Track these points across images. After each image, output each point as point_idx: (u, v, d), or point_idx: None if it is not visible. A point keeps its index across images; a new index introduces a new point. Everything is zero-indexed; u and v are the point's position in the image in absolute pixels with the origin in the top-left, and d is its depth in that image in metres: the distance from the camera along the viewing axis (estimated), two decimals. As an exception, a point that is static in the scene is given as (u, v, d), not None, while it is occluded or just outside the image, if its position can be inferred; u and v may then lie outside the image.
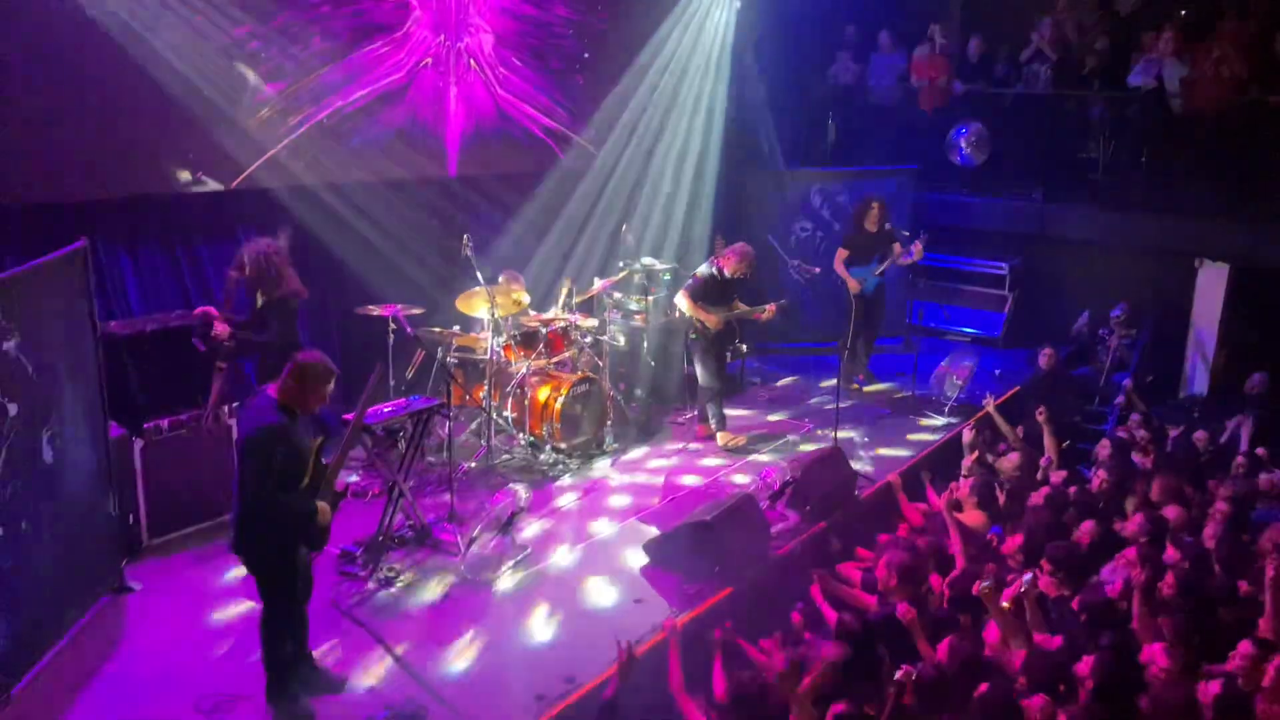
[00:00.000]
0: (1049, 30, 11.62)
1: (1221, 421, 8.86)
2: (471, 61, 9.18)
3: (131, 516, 6.38)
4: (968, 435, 8.07)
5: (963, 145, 11.53)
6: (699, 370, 8.60)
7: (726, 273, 8.39)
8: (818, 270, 10.06)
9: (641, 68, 10.51)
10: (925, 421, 9.31)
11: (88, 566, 5.86)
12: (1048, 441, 7.71)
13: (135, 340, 6.39)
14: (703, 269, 8.56)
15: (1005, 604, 5.15)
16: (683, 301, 8.42)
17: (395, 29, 8.52)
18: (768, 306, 8.66)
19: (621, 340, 8.99)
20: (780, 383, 10.34)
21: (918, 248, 9.81)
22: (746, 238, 8.99)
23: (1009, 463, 7.67)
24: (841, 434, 8.33)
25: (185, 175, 7.34)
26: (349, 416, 6.38)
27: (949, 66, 12.24)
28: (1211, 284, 10.52)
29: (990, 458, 7.90)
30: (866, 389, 10.02)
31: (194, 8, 7.10)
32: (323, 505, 4.82)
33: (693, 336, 8.53)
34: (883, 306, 10.21)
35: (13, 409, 5.00)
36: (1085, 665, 4.62)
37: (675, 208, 10.73)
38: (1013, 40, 12.12)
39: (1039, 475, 7.49)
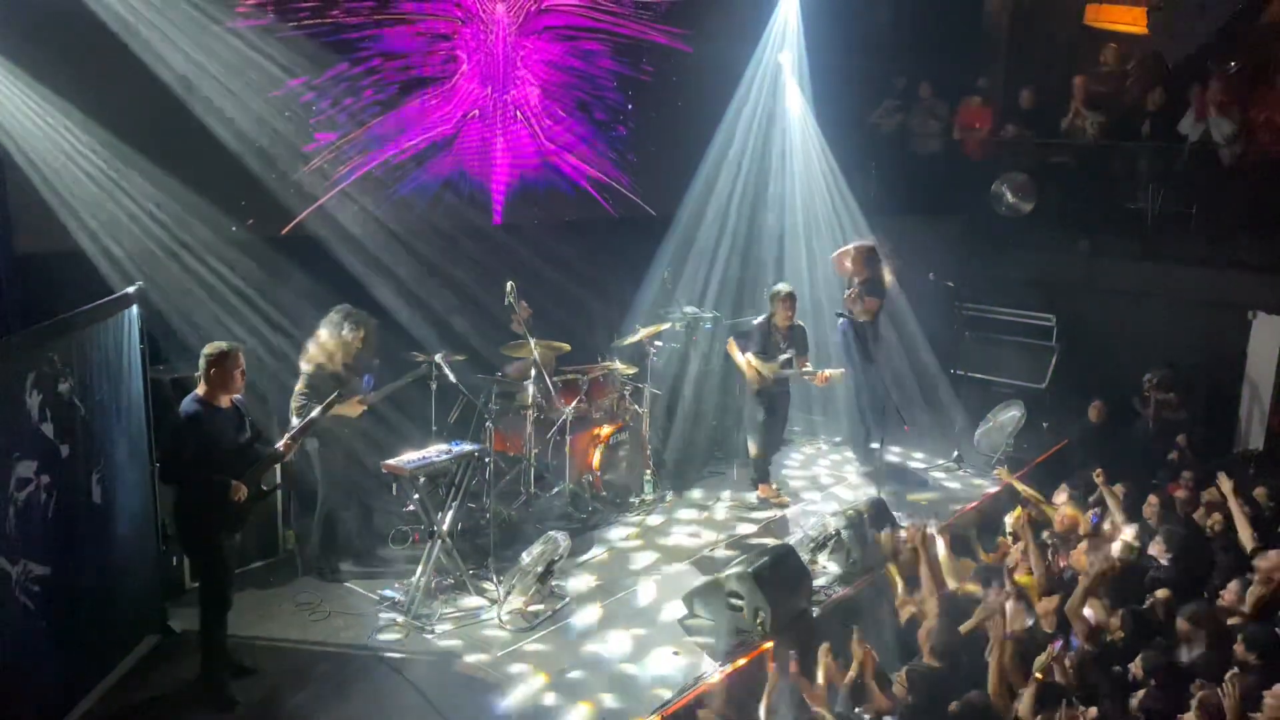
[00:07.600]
0: (1082, 93, 11.51)
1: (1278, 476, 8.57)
2: (518, 113, 9.33)
3: (175, 558, 6.45)
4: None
5: (1008, 195, 11.46)
6: (748, 421, 8.53)
7: (778, 322, 8.31)
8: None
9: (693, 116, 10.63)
10: (971, 475, 9.14)
11: (133, 607, 5.93)
12: (1109, 500, 7.49)
13: (182, 384, 6.48)
14: (759, 319, 8.47)
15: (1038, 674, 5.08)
16: (729, 348, 8.49)
17: (444, 81, 8.71)
18: (830, 373, 8.29)
19: (662, 388, 8.97)
20: (821, 435, 10.21)
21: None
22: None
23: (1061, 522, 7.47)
24: (884, 487, 8.20)
25: (236, 222, 7.50)
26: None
27: (993, 117, 12.21)
28: (1266, 336, 10.27)
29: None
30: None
31: (250, 59, 7.31)
32: (237, 483, 5.26)
33: (749, 386, 8.44)
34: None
35: (64, 450, 5.10)
36: None
37: (720, 256, 10.73)
38: (1060, 91, 12.05)
39: (1090, 532, 7.24)
